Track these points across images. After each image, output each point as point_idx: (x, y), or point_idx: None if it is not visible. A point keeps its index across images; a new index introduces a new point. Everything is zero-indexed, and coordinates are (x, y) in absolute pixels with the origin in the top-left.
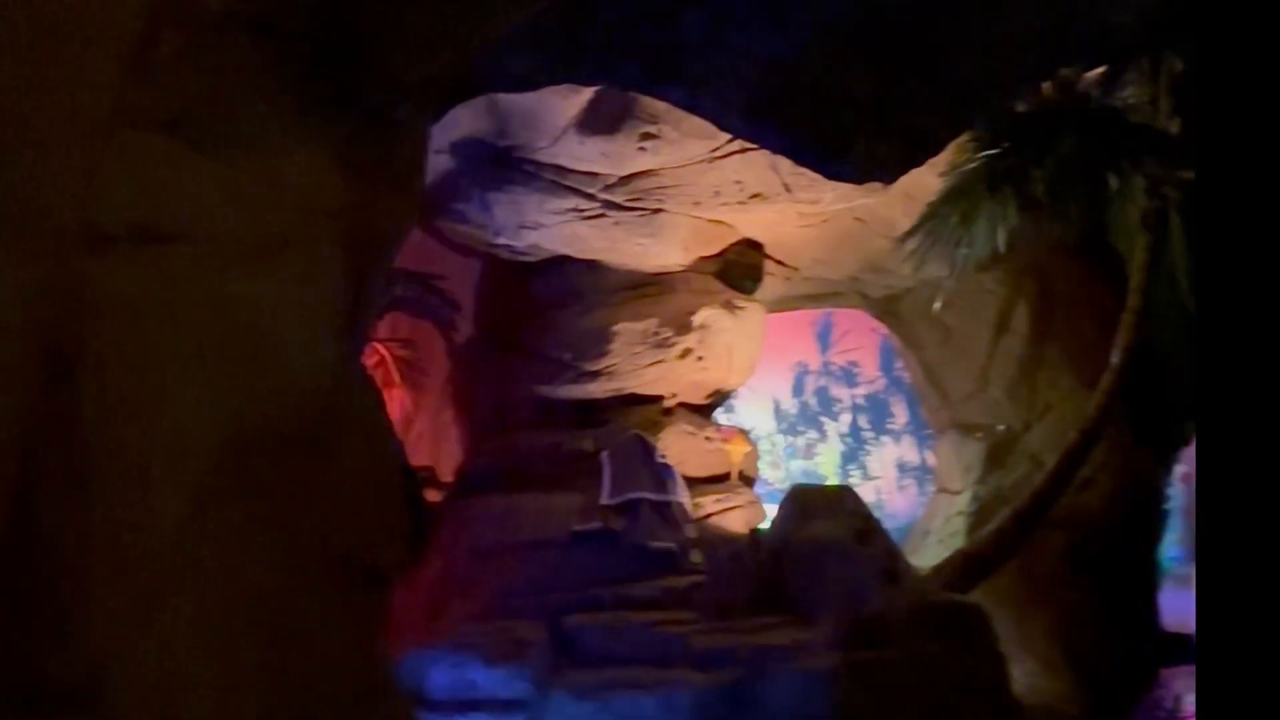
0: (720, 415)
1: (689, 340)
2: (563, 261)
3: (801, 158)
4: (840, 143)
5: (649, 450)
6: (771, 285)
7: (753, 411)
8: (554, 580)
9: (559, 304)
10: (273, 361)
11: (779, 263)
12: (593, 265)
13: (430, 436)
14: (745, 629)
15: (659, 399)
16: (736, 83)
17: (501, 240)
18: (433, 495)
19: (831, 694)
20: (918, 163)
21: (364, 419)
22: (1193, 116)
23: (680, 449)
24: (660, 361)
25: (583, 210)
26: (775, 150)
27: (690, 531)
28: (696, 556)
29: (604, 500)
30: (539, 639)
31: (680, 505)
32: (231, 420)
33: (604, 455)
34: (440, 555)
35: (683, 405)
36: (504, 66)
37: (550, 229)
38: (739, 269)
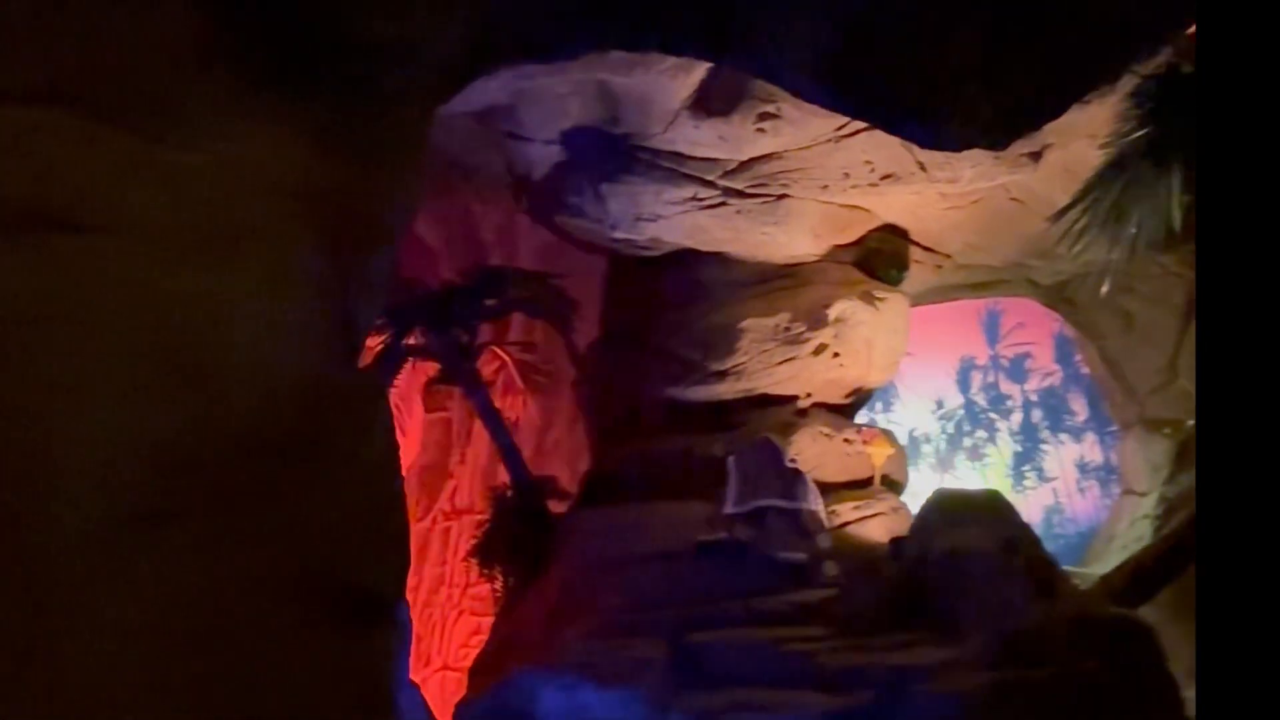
0: (877, 416)
1: (824, 335)
2: (687, 255)
3: (894, 124)
4: (934, 107)
5: (777, 454)
6: (921, 274)
7: (913, 411)
8: (676, 595)
9: (685, 300)
10: (227, 367)
11: (927, 249)
12: (720, 258)
13: (554, 444)
14: (881, 646)
15: (792, 399)
16: (814, 44)
17: (620, 234)
18: (557, 506)
19: (976, 718)
20: (1023, 130)
21: (356, 427)
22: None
23: (816, 452)
24: (792, 359)
25: (702, 199)
26: (862, 116)
27: (823, 541)
28: (830, 568)
29: (729, 509)
30: (659, 658)
31: (812, 513)
32: (173, 431)
33: (730, 461)
34: (560, 569)
35: (819, 405)
36: (524, 33)
37: (669, 220)
38: (881, 257)
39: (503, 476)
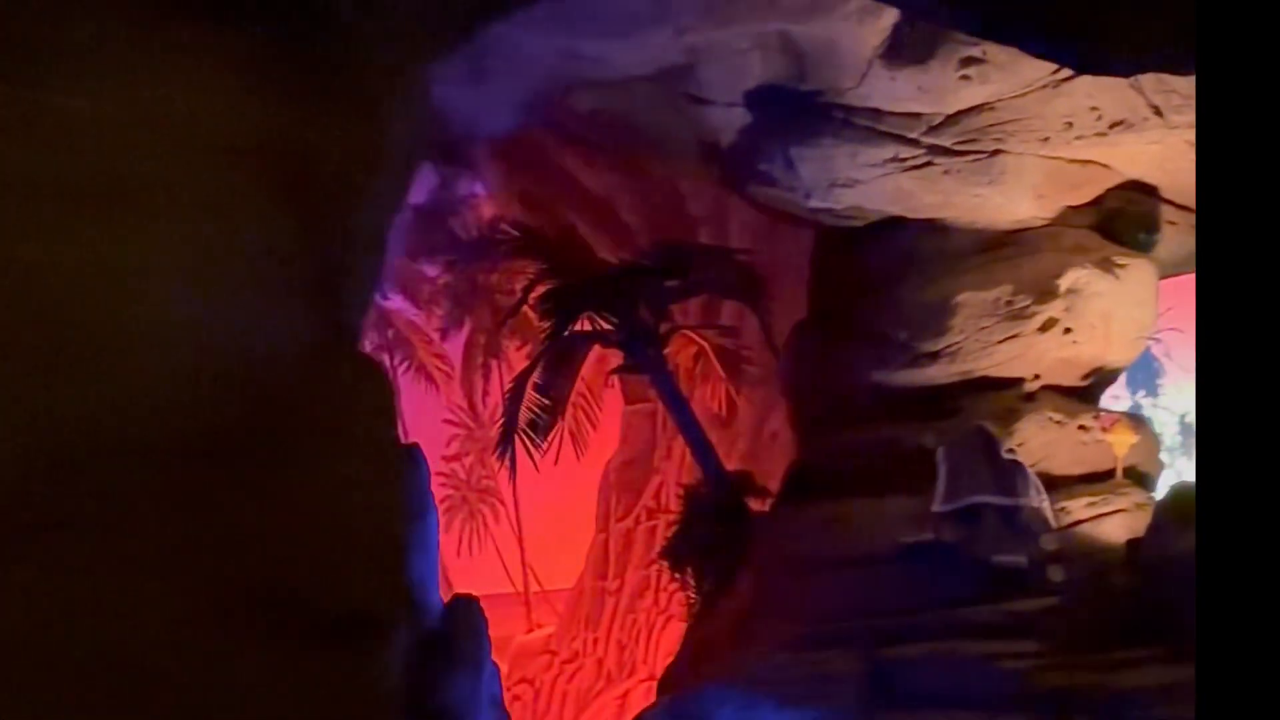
0: (1141, 401)
1: (1053, 309)
2: (894, 224)
3: (1047, 48)
4: (1092, 25)
5: (992, 444)
6: (1178, 237)
7: (1187, 395)
8: (874, 603)
9: (894, 274)
10: (128, 350)
11: (1182, 208)
12: (931, 226)
13: (759, 436)
14: (1106, 665)
15: (1016, 382)
16: None
17: (815, 203)
18: (757, 504)
19: None
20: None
21: (335, 425)
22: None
23: (1044, 441)
24: (1015, 336)
25: (904, 159)
26: (991, 35)
27: (1048, 543)
28: (1055, 573)
29: (938, 506)
30: (851, 673)
31: (1034, 510)
32: (58, 427)
33: (939, 452)
34: (752, 573)
35: (1049, 389)
36: None
37: (869, 185)
38: (1127, 219)
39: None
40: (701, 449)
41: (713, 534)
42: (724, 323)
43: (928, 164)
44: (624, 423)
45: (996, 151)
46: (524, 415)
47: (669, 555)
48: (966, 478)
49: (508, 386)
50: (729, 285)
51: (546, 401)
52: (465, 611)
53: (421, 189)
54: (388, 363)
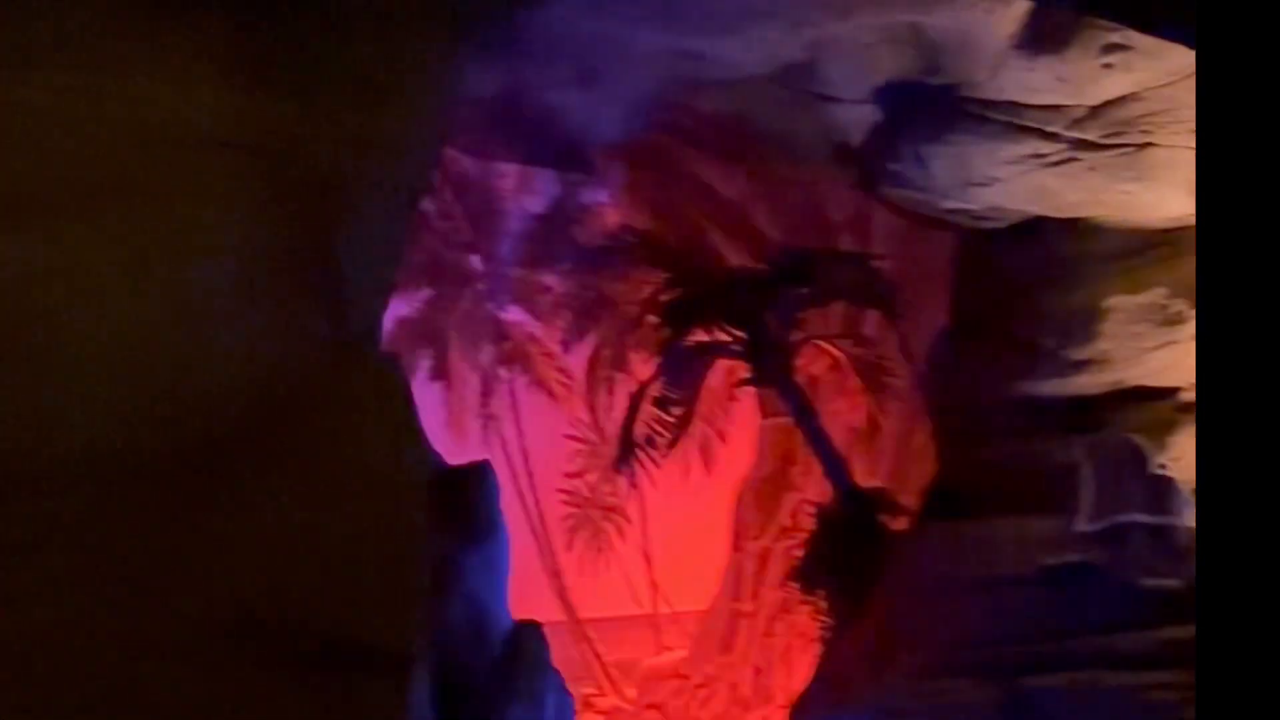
0: None
1: None
2: (1038, 225)
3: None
4: None
5: (1141, 458)
6: None
7: None
8: (1015, 628)
9: (1038, 278)
10: (77, 363)
11: None
12: (1077, 226)
13: (899, 451)
14: None
15: (1170, 392)
16: None
17: (950, 203)
18: (896, 522)
19: None
20: None
21: (338, 436)
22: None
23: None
24: (1169, 344)
25: (1045, 155)
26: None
27: None
28: None
29: (1082, 525)
30: (987, 704)
31: (1189, 530)
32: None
33: (1085, 468)
34: (886, 596)
35: None
36: None
37: (1008, 184)
38: None
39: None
40: (833, 465)
41: (846, 554)
42: (862, 332)
43: (1070, 159)
44: (760, 437)
45: (1145, 145)
46: (641, 430)
47: (800, 577)
48: (1114, 494)
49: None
50: (860, 292)
51: (665, 416)
52: (523, 639)
53: (543, 197)
54: (504, 376)
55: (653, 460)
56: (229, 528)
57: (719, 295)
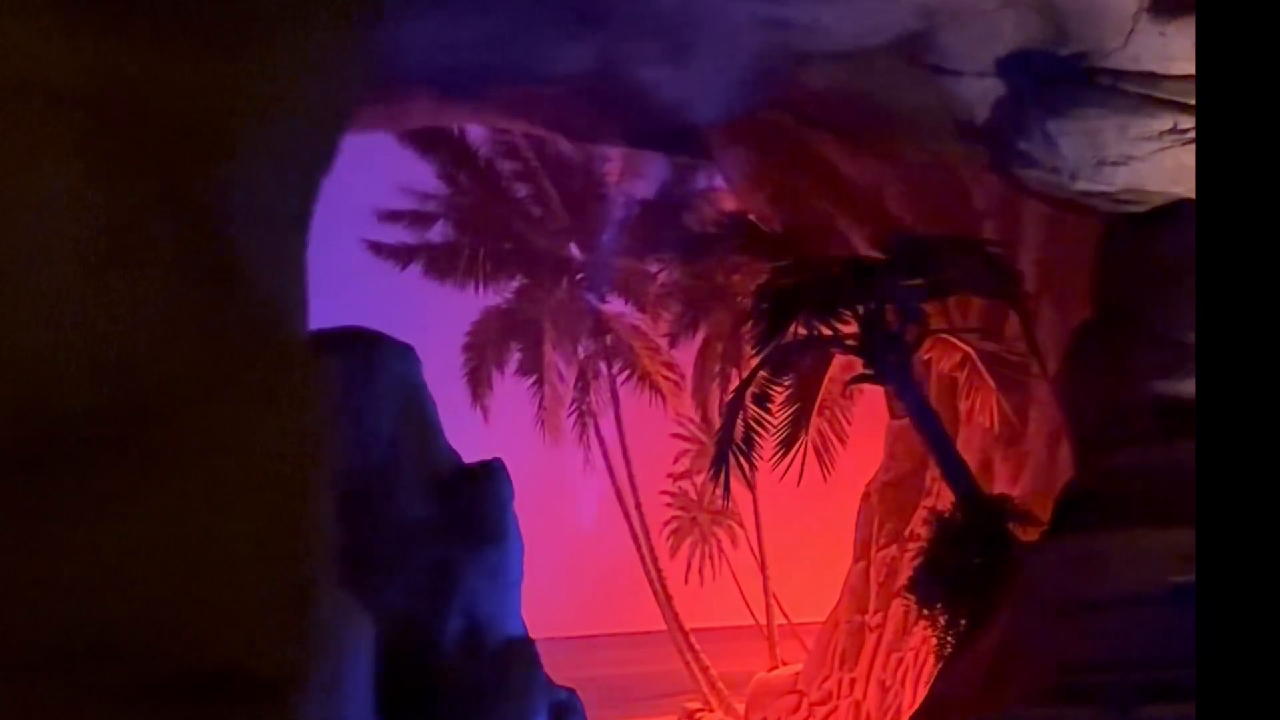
0: None
1: None
2: (1184, 208)
3: None
4: None
5: None
6: None
7: None
8: (1136, 652)
9: (1183, 267)
10: None
11: None
12: None
13: (1032, 455)
14: None
15: None
16: None
17: (1083, 185)
18: (1028, 533)
19: None
20: None
21: (221, 432)
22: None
23: None
24: None
25: (1185, 130)
26: None
27: None
28: None
29: None
30: None
31: None
32: None
33: None
34: (1007, 613)
35: None
36: None
37: (1144, 162)
38: None
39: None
40: (953, 469)
41: (966, 565)
42: (995, 327)
43: None
44: (889, 439)
45: None
46: (739, 430)
47: (915, 589)
48: None
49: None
50: (980, 282)
51: (764, 415)
52: (505, 658)
53: (650, 181)
54: (604, 371)
55: (749, 463)
56: (78, 537)
57: (818, 287)
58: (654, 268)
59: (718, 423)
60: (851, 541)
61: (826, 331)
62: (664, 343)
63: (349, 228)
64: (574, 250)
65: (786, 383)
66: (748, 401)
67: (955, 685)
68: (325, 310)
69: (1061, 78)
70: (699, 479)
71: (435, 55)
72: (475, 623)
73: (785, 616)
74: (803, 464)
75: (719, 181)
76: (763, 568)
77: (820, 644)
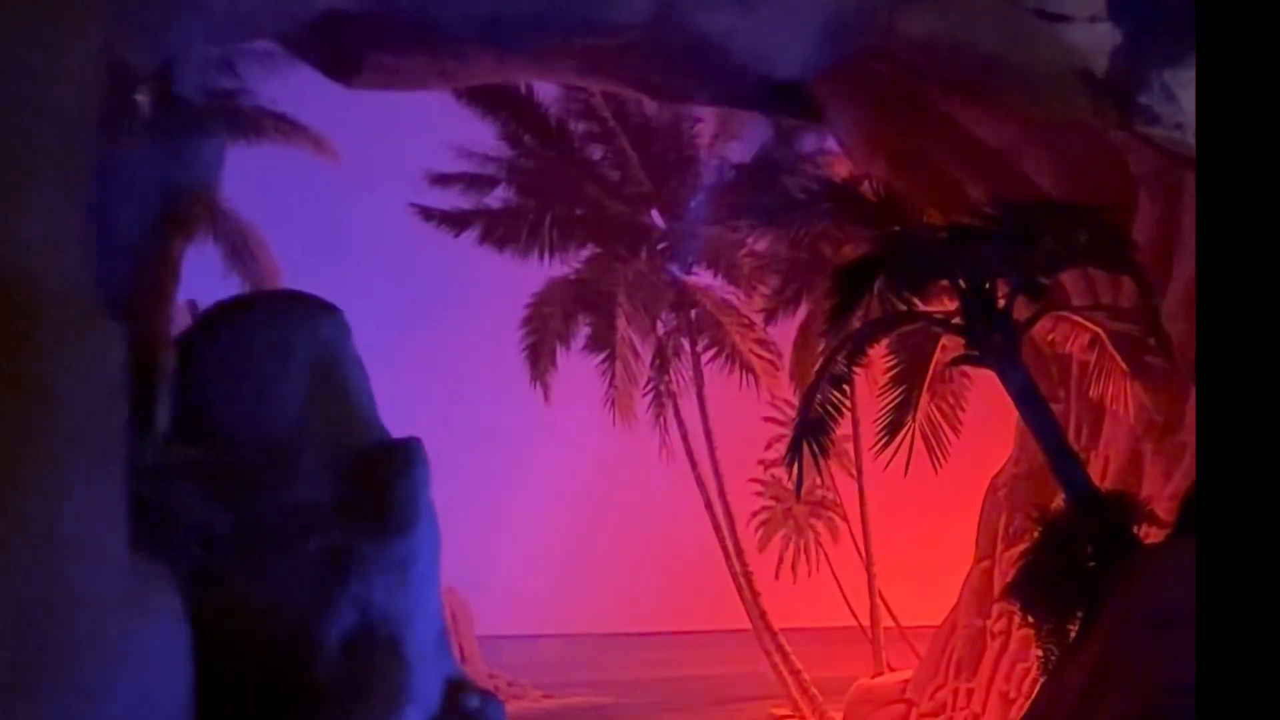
0: None
1: None
2: None
3: None
4: None
5: None
6: None
7: None
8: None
9: None
10: None
11: None
12: None
13: (1190, 448)
14: None
15: None
16: None
17: None
18: (1154, 534)
19: None
20: None
21: None
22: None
23: None
24: None
25: None
26: None
27: None
28: None
29: None
30: None
31: None
32: None
33: None
34: (1109, 623)
35: None
36: None
37: None
38: None
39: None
40: (1064, 462)
41: (1074, 569)
42: (1120, 304)
43: None
44: (1019, 427)
45: None
46: (815, 415)
47: (1017, 592)
48: None
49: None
50: (1091, 252)
51: (840, 397)
52: (373, 661)
53: (748, 143)
54: (686, 348)
55: (821, 450)
56: None
57: (913, 256)
58: (749, 237)
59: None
60: (973, 539)
61: (922, 307)
62: (759, 319)
63: (398, 191)
64: (656, 218)
65: (890, 363)
66: (825, 384)
67: (1053, 702)
68: (365, 277)
69: (1177, 19)
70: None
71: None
72: (370, 622)
73: (893, 619)
74: (910, 453)
75: (831, 144)
76: (868, 564)
77: (935, 649)
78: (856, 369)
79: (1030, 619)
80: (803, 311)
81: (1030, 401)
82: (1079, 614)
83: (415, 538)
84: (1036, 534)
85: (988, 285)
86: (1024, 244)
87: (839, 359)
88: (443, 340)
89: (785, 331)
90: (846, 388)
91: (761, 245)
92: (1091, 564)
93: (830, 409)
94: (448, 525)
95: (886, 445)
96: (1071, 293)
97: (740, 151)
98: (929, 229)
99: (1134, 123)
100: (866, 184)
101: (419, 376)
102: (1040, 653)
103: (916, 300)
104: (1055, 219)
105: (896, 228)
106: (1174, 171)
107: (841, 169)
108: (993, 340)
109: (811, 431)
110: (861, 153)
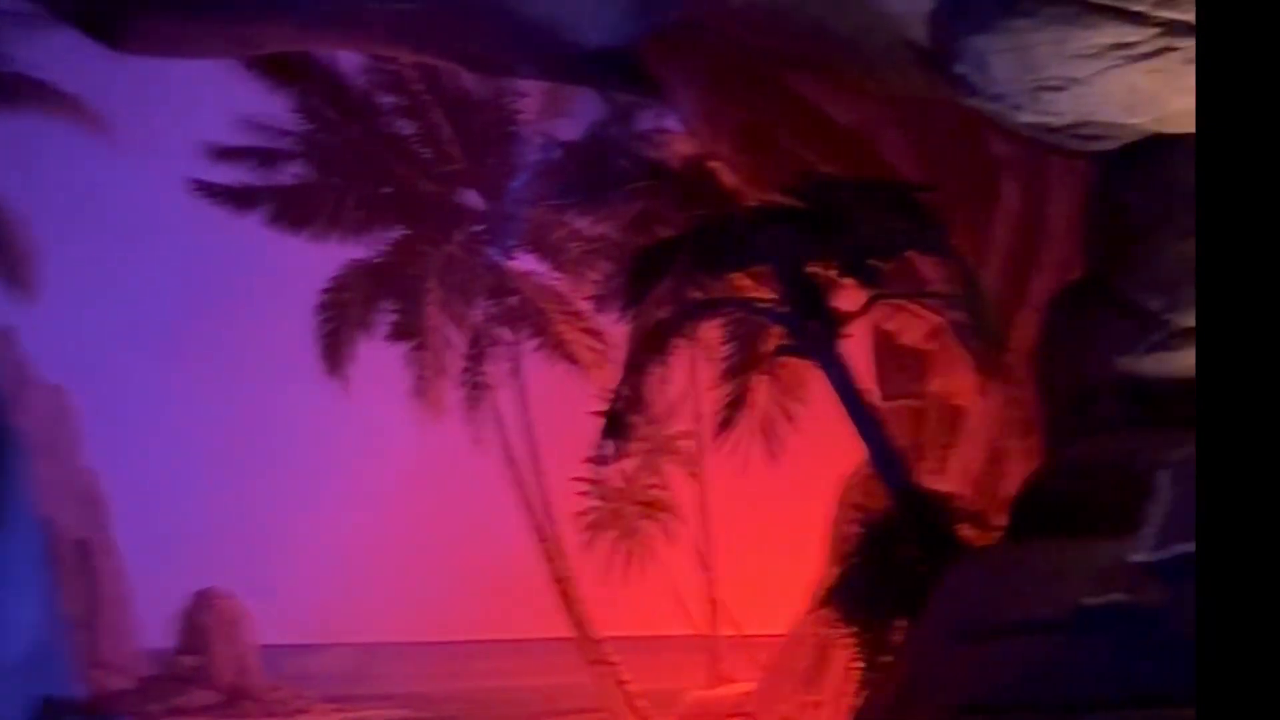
0: None
1: None
2: (1156, 146)
3: None
4: None
5: None
6: None
7: None
8: (1042, 687)
9: (1155, 218)
10: None
11: None
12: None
13: (987, 446)
14: None
15: None
16: None
17: (1029, 117)
18: (981, 538)
19: None
20: None
21: None
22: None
23: None
24: None
25: (1131, 45)
26: None
27: None
28: None
29: (1141, 554)
30: None
31: None
32: None
33: (1160, 475)
34: (920, 635)
35: None
36: None
37: (1088, 86)
38: None
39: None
40: (884, 460)
41: (896, 574)
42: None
43: (1164, 50)
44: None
45: None
46: (615, 406)
47: (837, 599)
48: (1188, 516)
49: None
50: (899, 234)
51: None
52: None
53: (578, 120)
54: (506, 337)
55: (616, 444)
56: None
57: (714, 239)
58: (578, 220)
59: (658, 401)
60: (823, 543)
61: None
62: (588, 307)
63: (179, 166)
64: (473, 198)
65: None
66: (627, 375)
67: (867, 714)
68: (137, 258)
69: None
70: (629, 464)
71: None
72: None
73: (734, 627)
74: (751, 449)
75: (673, 122)
76: (707, 569)
77: (778, 661)
78: (661, 360)
79: (849, 628)
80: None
81: (848, 395)
82: (901, 623)
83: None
84: (857, 537)
85: (805, 271)
86: (836, 226)
87: (641, 350)
88: (230, 327)
89: (617, 320)
90: (648, 378)
91: (591, 228)
92: (923, 569)
93: (628, 403)
94: (228, 528)
95: (722, 440)
96: (932, 280)
97: (570, 129)
98: (746, 211)
99: (955, 95)
100: (701, 164)
101: (201, 365)
102: (862, 666)
103: (740, 287)
104: (868, 199)
105: (720, 211)
106: (1037, 155)
107: (684, 148)
108: (810, 329)
109: (610, 426)
110: (705, 131)
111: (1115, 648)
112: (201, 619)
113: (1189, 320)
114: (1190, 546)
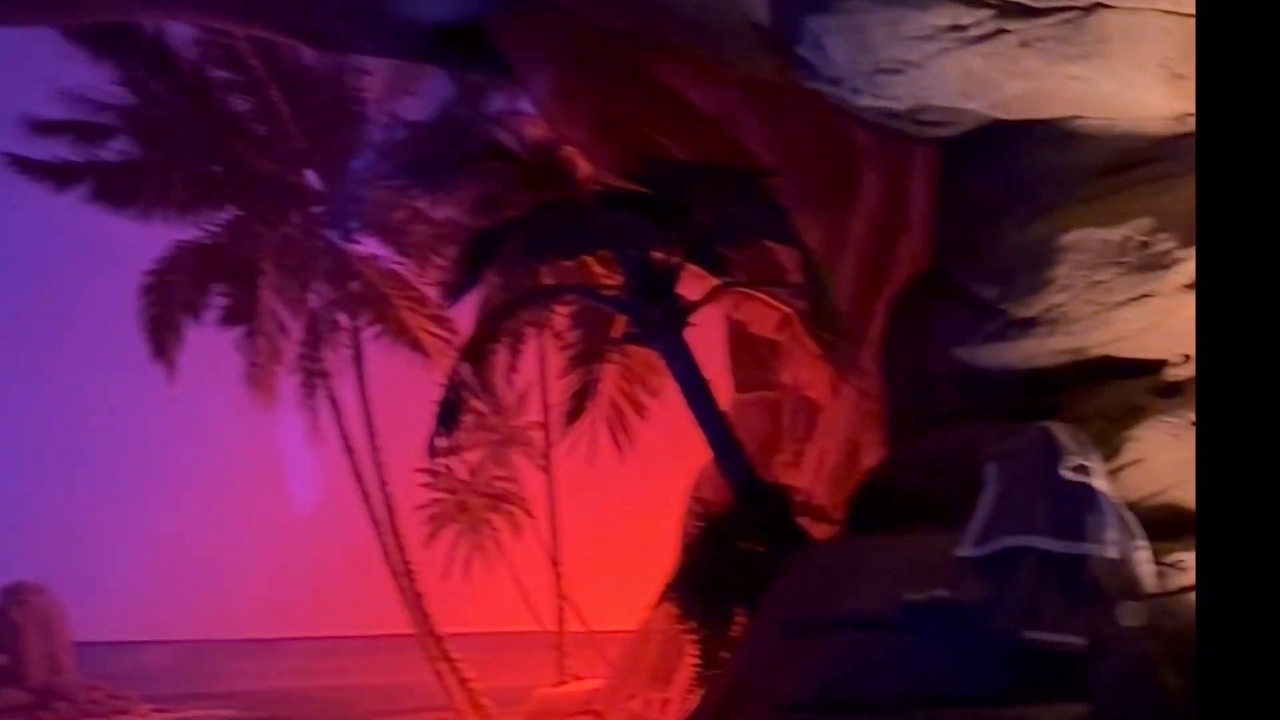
0: None
1: None
2: (996, 132)
3: None
4: None
5: (1051, 456)
6: None
7: None
8: (866, 686)
9: (993, 206)
10: None
11: None
12: (1044, 133)
13: (843, 439)
14: None
15: (1154, 365)
16: None
17: (867, 100)
18: (821, 530)
19: None
20: None
21: None
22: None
23: (1175, 460)
24: (1146, 296)
25: (965, 27)
26: None
27: (1128, 616)
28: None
29: (965, 549)
30: None
31: (1115, 563)
32: None
33: (988, 469)
34: (751, 632)
35: None
36: None
37: (924, 69)
38: None
39: None
40: (725, 451)
41: (734, 567)
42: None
43: (998, 32)
44: (731, 416)
45: (1095, 5)
46: (447, 395)
47: (675, 595)
48: (1012, 507)
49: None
50: (743, 221)
51: (474, 379)
52: None
53: (426, 100)
54: (345, 324)
55: (442, 433)
56: None
57: (544, 224)
58: (425, 204)
59: (506, 391)
60: (675, 538)
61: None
62: (434, 293)
63: None
64: (311, 178)
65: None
66: (459, 362)
67: (707, 705)
68: None
69: None
70: (473, 456)
71: None
72: None
73: (583, 623)
74: (599, 441)
75: (524, 105)
76: (555, 564)
77: (628, 658)
78: (504, 346)
79: (688, 624)
80: (484, 286)
81: (689, 384)
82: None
83: None
84: (696, 530)
85: (648, 257)
86: (679, 212)
87: (480, 335)
88: (48, 310)
89: (465, 308)
90: (482, 367)
91: (438, 212)
92: (759, 563)
93: (465, 390)
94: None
95: (568, 431)
96: (790, 269)
97: (416, 109)
98: (588, 195)
99: (799, 79)
100: (552, 149)
101: (19, 351)
102: (700, 663)
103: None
104: (712, 184)
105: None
106: (901, 145)
107: (537, 132)
108: (653, 317)
109: (444, 415)
110: (560, 115)
111: (936, 644)
112: (12, 615)
113: (1025, 310)
114: (1014, 540)
